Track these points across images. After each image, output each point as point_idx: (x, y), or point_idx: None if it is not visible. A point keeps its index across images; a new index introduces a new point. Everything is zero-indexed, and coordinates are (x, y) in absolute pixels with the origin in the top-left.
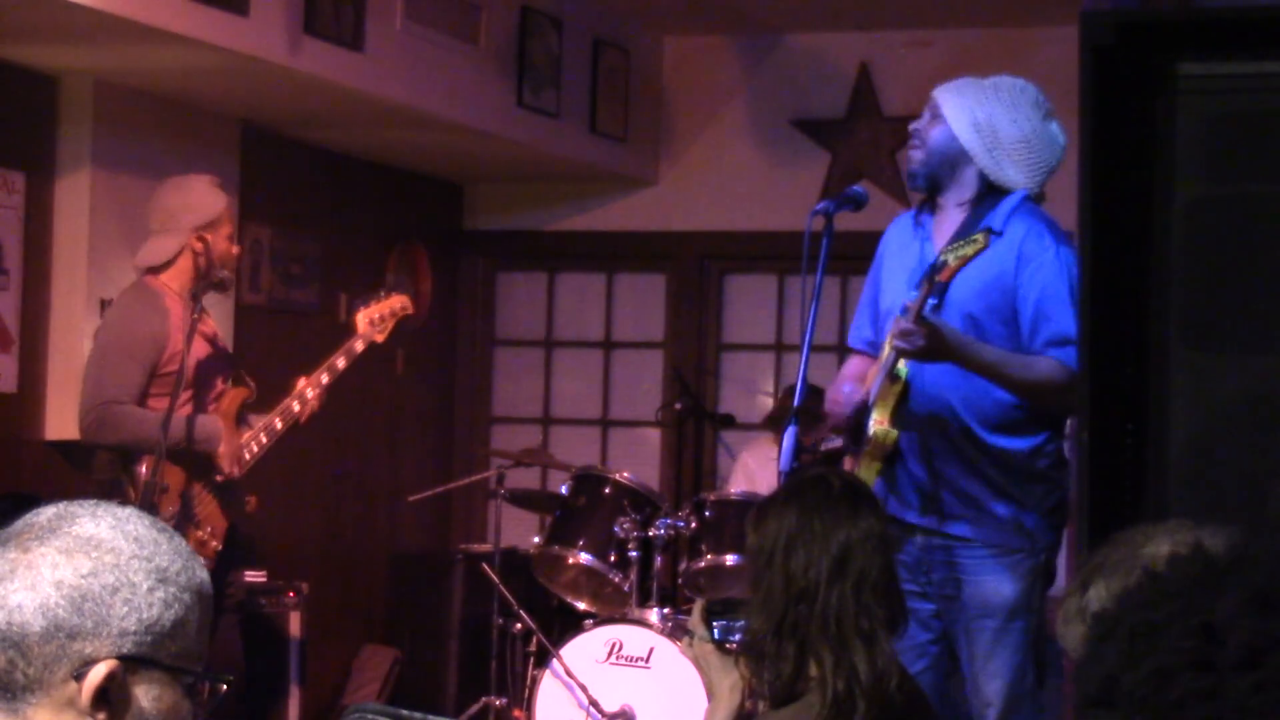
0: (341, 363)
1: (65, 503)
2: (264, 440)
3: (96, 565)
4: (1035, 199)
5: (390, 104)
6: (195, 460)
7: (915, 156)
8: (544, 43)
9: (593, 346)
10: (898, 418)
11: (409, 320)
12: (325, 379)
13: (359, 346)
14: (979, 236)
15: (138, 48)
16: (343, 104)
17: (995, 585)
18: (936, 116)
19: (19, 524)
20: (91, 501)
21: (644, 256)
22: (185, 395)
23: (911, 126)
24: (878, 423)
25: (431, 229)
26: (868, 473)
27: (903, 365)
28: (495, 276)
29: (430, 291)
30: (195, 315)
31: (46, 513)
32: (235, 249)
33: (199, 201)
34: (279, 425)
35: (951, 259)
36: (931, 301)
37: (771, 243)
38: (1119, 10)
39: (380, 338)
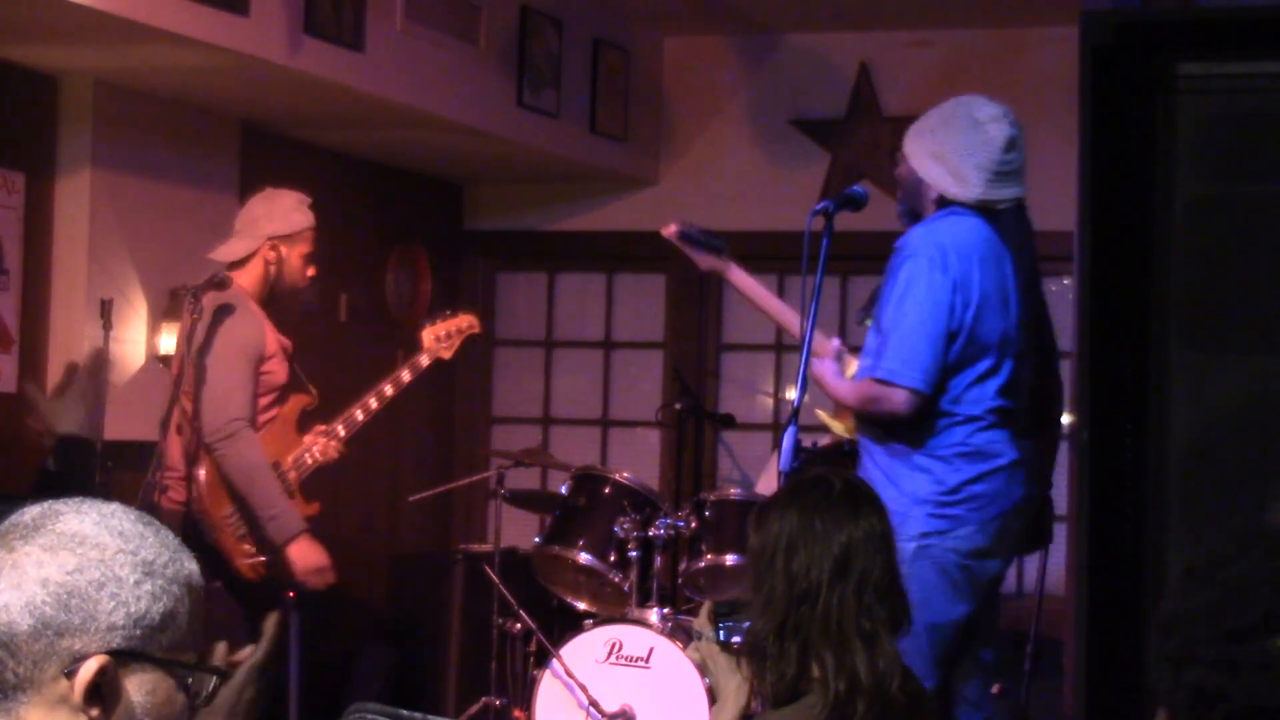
0: (406, 376)
1: (51, 500)
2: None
3: (82, 561)
4: (1007, 205)
5: (390, 104)
6: None
7: (899, 198)
8: (544, 43)
9: (593, 346)
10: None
11: (475, 337)
12: (389, 390)
13: (424, 362)
14: None
15: (138, 48)
16: (343, 104)
17: None
18: (903, 159)
19: (4, 524)
20: (77, 498)
21: (644, 256)
22: (264, 401)
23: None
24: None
25: (431, 229)
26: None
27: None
28: (495, 276)
29: (430, 291)
30: (195, 316)
31: (31, 511)
32: (310, 271)
33: (281, 213)
34: (342, 432)
35: None
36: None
37: (771, 243)
38: (1119, 10)
39: (447, 355)
